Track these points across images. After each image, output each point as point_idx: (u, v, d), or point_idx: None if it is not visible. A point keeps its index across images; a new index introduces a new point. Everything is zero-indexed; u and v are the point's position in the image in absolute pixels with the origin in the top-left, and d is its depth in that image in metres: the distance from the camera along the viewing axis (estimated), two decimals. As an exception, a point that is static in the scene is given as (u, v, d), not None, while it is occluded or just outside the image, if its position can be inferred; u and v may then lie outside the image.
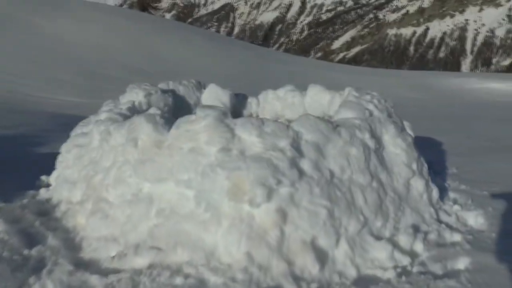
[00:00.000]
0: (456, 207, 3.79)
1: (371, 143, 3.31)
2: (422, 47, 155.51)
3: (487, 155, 6.32)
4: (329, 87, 4.79)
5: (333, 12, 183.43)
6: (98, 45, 21.70)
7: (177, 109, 4.51)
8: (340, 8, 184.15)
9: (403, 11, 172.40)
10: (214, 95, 4.67)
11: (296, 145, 2.92)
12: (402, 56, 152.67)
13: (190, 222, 2.79)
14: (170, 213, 2.86)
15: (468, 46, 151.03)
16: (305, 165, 2.89)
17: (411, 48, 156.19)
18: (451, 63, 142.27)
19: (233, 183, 2.70)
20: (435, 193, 3.67)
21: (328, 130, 3.09)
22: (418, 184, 3.51)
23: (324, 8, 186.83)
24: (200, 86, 4.86)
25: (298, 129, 3.01)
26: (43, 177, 4.12)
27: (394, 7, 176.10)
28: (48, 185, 4.02)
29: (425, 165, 3.77)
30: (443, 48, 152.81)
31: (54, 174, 3.97)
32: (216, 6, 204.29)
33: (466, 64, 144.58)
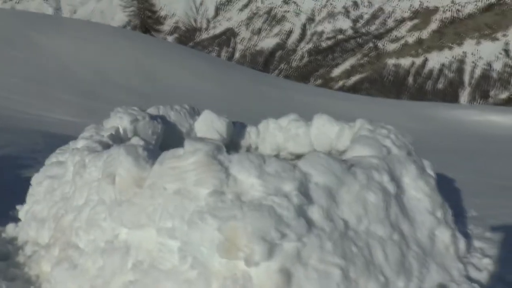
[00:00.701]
0: (486, 260, 3.28)
1: (390, 187, 2.82)
2: (420, 77, 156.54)
3: (508, 197, 5.84)
4: (329, 115, 4.35)
5: (333, 40, 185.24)
6: (96, 65, 21.42)
7: (168, 138, 4.03)
8: (340, 37, 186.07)
9: (402, 41, 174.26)
10: (209, 123, 4.19)
11: (304, 190, 2.42)
12: (401, 86, 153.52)
13: (173, 281, 2.27)
14: (149, 268, 2.35)
15: (466, 78, 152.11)
16: (315, 214, 2.39)
17: (410, 79, 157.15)
18: (450, 95, 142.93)
19: (226, 235, 2.19)
20: (462, 244, 3.16)
21: (341, 171, 2.60)
22: (444, 235, 3.00)
23: (324, 36, 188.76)
24: (194, 113, 4.38)
25: (307, 170, 2.51)
26: (18, 207, 3.61)
27: (393, 37, 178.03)
28: (19, 219, 3.51)
29: (450, 212, 3.26)
30: (441, 80, 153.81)
31: (24, 208, 3.46)
32: (218, 30, 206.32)
33: (464, 96, 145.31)
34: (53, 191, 3.12)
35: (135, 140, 2.80)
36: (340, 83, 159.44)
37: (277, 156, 4.49)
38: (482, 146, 15.51)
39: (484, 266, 3.23)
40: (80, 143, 3.22)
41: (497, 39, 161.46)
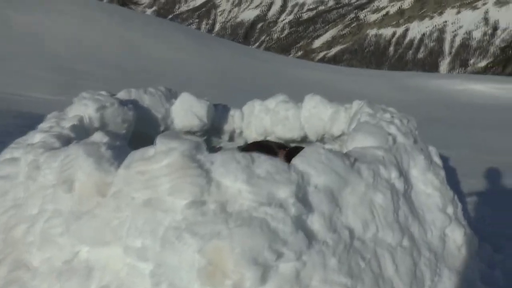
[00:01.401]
0: (498, 256, 2.96)
1: (399, 184, 2.43)
2: (401, 47, 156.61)
3: (503, 175, 5.55)
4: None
5: (314, 11, 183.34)
6: (74, 39, 20.53)
7: (141, 126, 3.56)
8: (321, 8, 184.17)
9: (384, 12, 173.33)
10: (188, 107, 3.73)
11: (302, 195, 2.01)
12: (382, 56, 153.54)
13: (145, 310, 1.87)
14: (117, 293, 1.94)
15: (446, 47, 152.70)
16: (316, 224, 1.99)
17: (391, 49, 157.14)
18: (430, 64, 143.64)
19: (208, 258, 1.78)
20: (474, 243, 2.82)
21: (344, 169, 2.19)
22: (456, 235, 2.64)
23: (306, 7, 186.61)
24: (171, 95, 3.91)
25: (304, 169, 2.10)
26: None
27: (375, 7, 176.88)
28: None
29: (460, 206, 2.91)
30: (422, 49, 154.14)
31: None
32: (198, 2, 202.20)
33: (444, 65, 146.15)
34: (4, 195, 2.65)
35: (98, 137, 2.34)
36: (321, 54, 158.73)
37: (265, 141, 4.08)
38: (469, 117, 15.35)
39: (497, 263, 2.91)
40: (36, 137, 2.75)
41: (477, 8, 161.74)
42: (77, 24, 22.44)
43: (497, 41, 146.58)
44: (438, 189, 2.64)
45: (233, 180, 1.95)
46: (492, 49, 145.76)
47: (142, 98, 3.73)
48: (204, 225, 1.84)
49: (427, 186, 2.64)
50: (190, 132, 3.82)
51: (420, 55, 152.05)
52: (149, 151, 2.05)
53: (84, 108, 3.16)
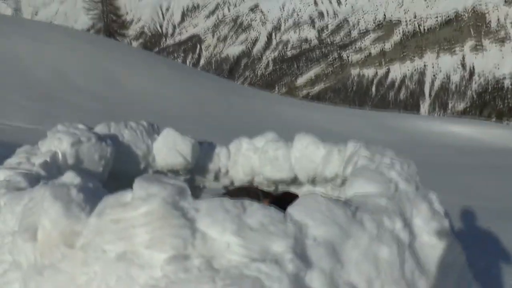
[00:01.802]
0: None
1: (404, 236, 2.20)
2: (383, 88, 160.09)
3: (495, 221, 5.38)
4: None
5: (298, 50, 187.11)
6: (56, 68, 20.28)
7: (119, 163, 3.30)
8: (305, 46, 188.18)
9: (366, 52, 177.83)
10: (171, 144, 3.49)
11: (300, 249, 1.77)
12: (365, 96, 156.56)
13: None
14: None
15: (427, 89, 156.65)
16: (315, 283, 1.74)
17: (373, 89, 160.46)
18: (411, 105, 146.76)
19: (192, 327, 1.51)
20: (481, 301, 2.59)
21: (346, 219, 1.96)
22: (462, 292, 2.41)
23: (290, 45, 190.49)
24: (153, 131, 3.67)
25: (302, 220, 1.86)
26: None
27: (358, 48, 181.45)
28: None
29: (464, 257, 2.68)
30: (403, 90, 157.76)
31: None
32: (184, 37, 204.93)
33: (425, 106, 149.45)
34: (-39, 238, 2.34)
35: (69, 177, 2.07)
36: (305, 91, 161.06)
37: (250, 182, 3.84)
38: (454, 160, 15.37)
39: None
40: (0, 175, 2.46)
41: (455, 53, 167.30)
42: (60, 53, 22.24)
43: (474, 86, 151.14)
44: (443, 240, 2.42)
45: (221, 231, 1.70)
46: (469, 93, 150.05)
47: (122, 132, 3.48)
48: (187, 284, 1.57)
49: (431, 237, 2.42)
50: (172, 171, 3.56)
51: (402, 96, 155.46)
52: (126, 196, 1.79)
53: (57, 143, 2.89)
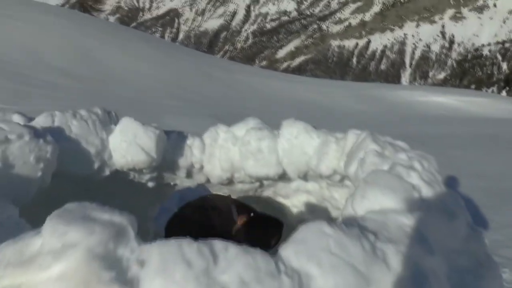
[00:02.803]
0: None
1: (438, 267, 1.62)
2: (364, 59, 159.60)
3: (501, 206, 4.90)
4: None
5: (277, 22, 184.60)
6: (29, 46, 19.18)
7: (68, 165, 2.63)
8: (284, 18, 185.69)
9: (346, 23, 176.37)
10: (131, 137, 2.82)
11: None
12: (345, 67, 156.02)
13: None
14: None
15: (407, 59, 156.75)
16: None
17: (354, 60, 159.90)
18: (392, 76, 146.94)
19: None
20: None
21: (365, 258, 1.36)
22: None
23: (269, 17, 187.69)
24: (110, 120, 2.99)
25: (302, 267, 1.25)
26: None
27: (337, 19, 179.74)
28: None
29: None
30: (384, 61, 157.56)
31: None
32: (161, 11, 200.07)
33: (405, 76, 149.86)
34: None
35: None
36: (285, 64, 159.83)
37: (230, 180, 3.21)
38: (437, 131, 14.96)
39: None
40: None
41: (435, 22, 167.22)
42: (33, 30, 21.09)
43: (454, 55, 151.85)
44: (485, 266, 1.85)
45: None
46: (449, 62, 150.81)
47: (69, 124, 2.80)
48: None
49: (471, 260, 1.84)
50: (134, 170, 2.91)
51: (383, 66, 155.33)
52: (33, 243, 1.15)
53: (-25, 144, 2.21)
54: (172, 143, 3.09)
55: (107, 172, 2.83)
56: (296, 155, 2.96)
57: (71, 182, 2.83)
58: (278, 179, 3.15)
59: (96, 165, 2.81)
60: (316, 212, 3.44)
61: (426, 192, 1.93)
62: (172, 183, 3.36)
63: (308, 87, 33.08)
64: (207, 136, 3.18)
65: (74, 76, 17.05)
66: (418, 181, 1.96)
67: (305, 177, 3.12)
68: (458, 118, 24.47)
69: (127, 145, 2.80)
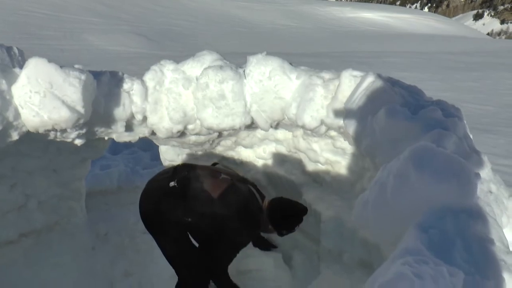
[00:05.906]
0: None
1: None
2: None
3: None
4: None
5: None
6: None
7: None
8: None
9: None
10: (46, 86, 2.01)
11: None
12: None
13: None
14: None
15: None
16: None
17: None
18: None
19: None
20: None
21: None
22: None
23: None
24: (11, 61, 2.14)
25: None
26: None
27: None
28: None
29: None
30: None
31: None
32: None
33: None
34: None
35: None
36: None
37: (182, 133, 2.53)
38: (373, 49, 14.76)
39: None
40: None
41: None
42: None
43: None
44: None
45: None
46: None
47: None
48: None
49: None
50: (53, 130, 2.14)
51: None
52: None
53: None
54: (103, 88, 2.30)
55: (14, 136, 2.04)
56: (269, 101, 2.32)
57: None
58: (243, 129, 2.52)
59: (-5, 128, 2.00)
60: (286, 165, 2.89)
61: (495, 191, 1.40)
62: (106, 138, 2.62)
63: (235, 4, 31.62)
64: (150, 78, 2.43)
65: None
66: (486, 175, 1.42)
67: (276, 126, 2.52)
68: (390, 34, 24.54)
69: (41, 98, 2.00)
